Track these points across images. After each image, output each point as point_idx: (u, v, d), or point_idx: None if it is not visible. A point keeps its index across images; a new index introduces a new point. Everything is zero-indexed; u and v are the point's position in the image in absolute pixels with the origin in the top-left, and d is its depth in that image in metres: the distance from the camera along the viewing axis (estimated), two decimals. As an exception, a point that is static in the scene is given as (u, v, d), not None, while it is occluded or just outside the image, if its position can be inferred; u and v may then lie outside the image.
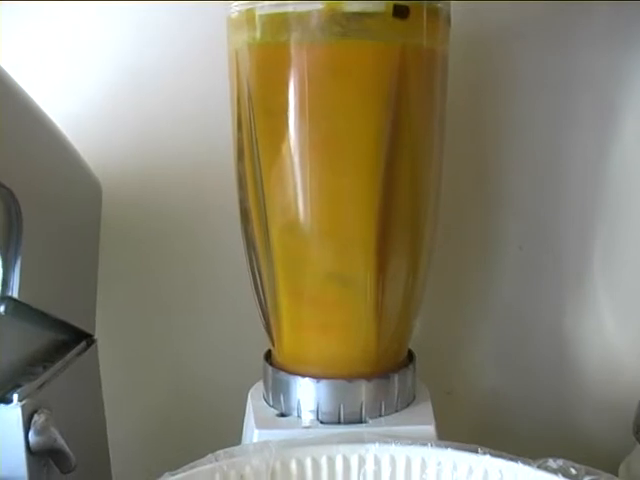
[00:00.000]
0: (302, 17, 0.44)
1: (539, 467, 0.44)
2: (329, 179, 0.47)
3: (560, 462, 0.44)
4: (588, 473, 0.43)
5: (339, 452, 0.46)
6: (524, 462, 0.44)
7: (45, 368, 0.49)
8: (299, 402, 0.50)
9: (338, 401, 0.49)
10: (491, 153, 0.66)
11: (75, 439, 0.47)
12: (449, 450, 0.45)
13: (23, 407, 0.44)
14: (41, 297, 0.48)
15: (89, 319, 0.57)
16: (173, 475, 0.42)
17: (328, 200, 0.48)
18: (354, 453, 0.46)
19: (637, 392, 0.59)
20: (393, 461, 0.45)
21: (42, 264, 0.49)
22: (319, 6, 0.44)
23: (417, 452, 0.45)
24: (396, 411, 0.51)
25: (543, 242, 0.67)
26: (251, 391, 0.54)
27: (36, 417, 0.45)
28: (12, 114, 0.45)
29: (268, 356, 0.53)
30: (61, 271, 0.52)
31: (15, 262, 0.45)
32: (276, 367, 0.51)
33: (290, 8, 0.44)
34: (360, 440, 0.46)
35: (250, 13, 0.46)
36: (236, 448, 0.45)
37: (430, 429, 0.49)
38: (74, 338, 0.55)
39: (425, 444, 0.46)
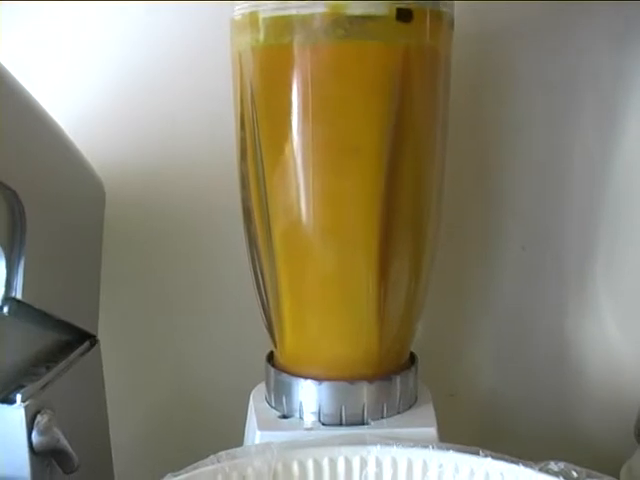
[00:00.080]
0: (305, 20, 0.44)
1: (540, 470, 0.44)
2: (332, 180, 0.48)
3: (561, 465, 0.44)
4: (589, 476, 0.43)
5: (341, 454, 0.46)
6: (525, 465, 0.44)
7: (48, 369, 0.49)
8: (301, 404, 0.50)
9: (340, 403, 0.49)
10: (493, 153, 0.66)
11: (78, 439, 0.47)
12: (451, 452, 0.45)
13: (26, 407, 0.44)
14: (44, 298, 0.48)
15: (92, 320, 0.57)
16: (175, 476, 0.42)
17: (330, 201, 0.48)
18: (356, 455, 0.46)
19: (638, 394, 0.60)
20: (395, 463, 0.46)
21: (45, 265, 0.49)
22: (322, 9, 0.44)
23: (419, 454, 0.46)
24: (398, 413, 0.51)
25: (545, 243, 0.67)
26: (253, 392, 0.54)
27: (39, 417, 0.45)
28: (15, 115, 0.45)
29: (270, 358, 0.53)
30: (64, 272, 0.52)
31: (19, 263, 0.45)
32: (278, 369, 0.52)
33: (293, 11, 0.45)
34: (362, 442, 0.46)
35: (254, 16, 0.46)
36: (238, 449, 0.45)
37: (432, 431, 0.49)
38: (77, 339, 0.55)
39: (427, 446, 0.46)
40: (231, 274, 0.64)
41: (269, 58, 0.47)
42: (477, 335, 0.68)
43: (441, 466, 0.45)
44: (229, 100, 0.51)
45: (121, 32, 0.63)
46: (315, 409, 0.50)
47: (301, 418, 0.50)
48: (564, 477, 0.43)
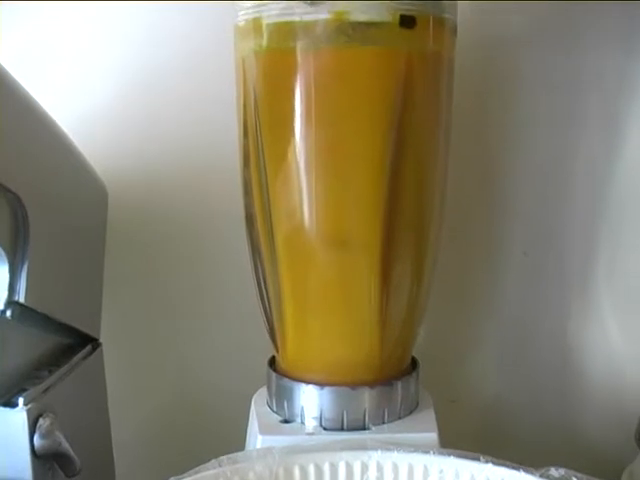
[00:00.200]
0: (309, 26, 0.44)
1: (541, 476, 0.44)
2: (334, 186, 0.48)
3: (562, 471, 0.44)
4: (590, 482, 0.43)
5: (342, 459, 0.46)
6: (526, 471, 0.44)
7: (50, 372, 0.49)
8: (303, 409, 0.50)
9: (341, 408, 0.49)
10: (496, 157, 0.66)
11: (80, 443, 0.47)
12: (451, 458, 0.45)
13: (28, 411, 0.44)
14: (47, 302, 0.48)
15: (94, 323, 0.57)
16: (177, 480, 0.43)
17: (333, 207, 0.48)
18: (357, 460, 0.46)
19: (640, 398, 0.60)
20: (395, 468, 0.46)
21: (48, 269, 0.49)
22: (326, 15, 0.44)
23: (419, 460, 0.45)
24: (399, 418, 0.51)
25: (548, 247, 0.67)
26: (255, 397, 0.54)
27: (41, 421, 0.45)
28: (17, 118, 0.45)
29: (272, 362, 0.53)
30: (67, 275, 0.52)
31: (22, 267, 0.45)
32: (280, 373, 0.52)
33: (297, 17, 0.45)
34: (363, 447, 0.46)
35: (257, 22, 0.46)
36: (240, 454, 0.46)
37: (433, 437, 0.49)
38: (79, 342, 0.55)
39: (427, 452, 0.46)
40: (233, 278, 0.64)
41: (272, 64, 0.47)
42: (479, 340, 0.68)
43: (442, 472, 0.45)
44: (232, 105, 0.51)
45: (124, 34, 0.63)
46: (316, 414, 0.50)
47: (302, 423, 0.50)
48: (565, 484, 0.43)
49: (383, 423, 0.50)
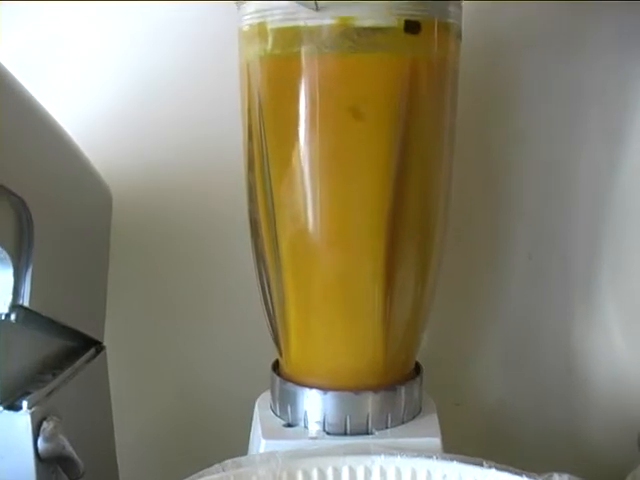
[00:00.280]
0: (313, 31, 0.44)
1: (544, 482, 0.44)
2: (339, 191, 0.48)
3: (565, 477, 0.44)
4: (593, 488, 0.43)
5: (345, 463, 0.46)
6: (529, 476, 0.44)
7: (54, 375, 0.49)
8: (306, 413, 0.50)
9: (345, 412, 0.49)
10: (500, 160, 0.66)
11: (83, 446, 0.48)
12: (454, 463, 0.45)
13: (32, 414, 0.44)
14: (51, 305, 0.49)
15: (98, 326, 0.57)
16: (181, 484, 0.43)
17: (338, 212, 0.48)
18: (360, 464, 0.46)
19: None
20: (399, 473, 0.46)
21: (53, 272, 0.49)
22: (331, 21, 0.44)
23: (423, 464, 0.45)
24: (402, 423, 0.51)
25: (552, 251, 0.67)
26: (258, 401, 0.55)
27: (45, 424, 0.45)
28: (22, 122, 0.45)
29: (276, 366, 0.53)
30: (71, 279, 0.52)
31: (26, 271, 0.45)
32: (283, 378, 0.52)
33: (301, 22, 0.45)
34: (366, 452, 0.46)
35: (262, 27, 0.46)
36: (243, 458, 0.46)
37: (436, 441, 0.49)
38: (83, 345, 0.55)
39: (430, 456, 0.46)
40: (237, 281, 0.64)
41: (277, 69, 0.47)
42: (483, 343, 0.68)
43: (445, 476, 0.45)
44: (237, 110, 0.51)
45: (126, 35, 0.63)
46: (320, 418, 0.50)
47: (306, 427, 0.50)
48: (568, 489, 0.43)
49: (386, 428, 0.50)
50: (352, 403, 0.49)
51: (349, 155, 0.47)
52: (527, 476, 0.44)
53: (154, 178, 0.64)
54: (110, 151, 0.62)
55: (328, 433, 0.50)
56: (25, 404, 0.45)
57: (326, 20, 0.44)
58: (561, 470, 0.44)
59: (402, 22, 0.45)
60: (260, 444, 0.49)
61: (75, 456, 0.46)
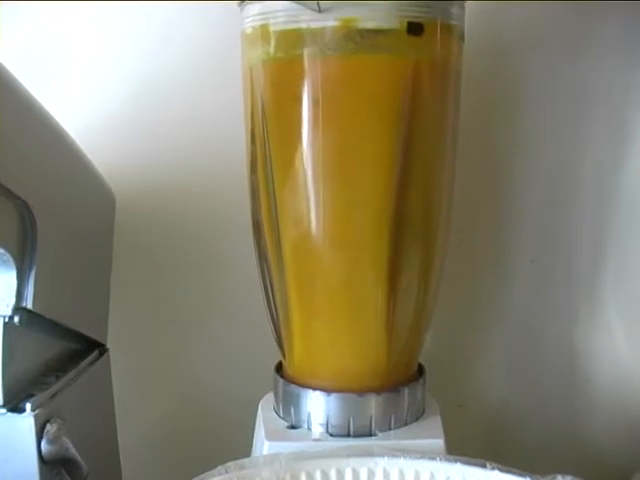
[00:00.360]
0: (316, 33, 0.44)
1: (548, 484, 0.44)
2: (342, 192, 0.48)
3: (568, 478, 0.43)
4: (596, 490, 0.43)
5: (348, 465, 0.46)
6: (532, 478, 0.44)
7: (58, 378, 0.49)
8: (309, 415, 0.50)
9: (348, 414, 0.49)
10: (504, 163, 0.66)
11: (87, 448, 0.48)
12: (458, 464, 0.45)
13: (36, 416, 0.45)
14: (55, 307, 0.49)
15: (101, 329, 0.57)
16: (184, 486, 0.43)
17: (340, 213, 0.48)
18: (363, 466, 0.46)
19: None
20: (402, 475, 0.45)
21: (56, 275, 0.49)
22: (333, 23, 0.44)
23: (426, 466, 0.45)
24: (405, 425, 0.51)
25: (555, 253, 0.66)
26: (261, 402, 0.54)
27: (48, 426, 0.45)
28: (25, 124, 0.45)
29: (279, 368, 0.53)
30: (75, 281, 0.52)
31: (29, 273, 0.45)
32: (287, 379, 0.52)
33: (304, 25, 0.45)
34: (369, 453, 0.46)
35: (265, 29, 0.46)
36: (246, 460, 0.46)
37: (439, 443, 0.49)
38: (86, 348, 0.55)
39: (434, 458, 0.46)
40: (240, 284, 0.64)
41: (280, 71, 0.47)
42: (486, 345, 0.68)
43: (448, 478, 0.45)
44: (240, 112, 0.51)
45: (127, 35, 0.64)
46: (323, 420, 0.50)
47: (309, 429, 0.50)
48: (571, 491, 0.43)
49: (389, 429, 0.50)
50: (355, 405, 0.49)
51: (352, 157, 0.47)
52: (530, 477, 0.44)
53: (156, 180, 0.64)
54: (112, 153, 0.62)
55: (331, 435, 0.50)
56: (29, 406, 0.45)
57: (329, 22, 0.44)
58: (564, 471, 0.44)
59: (405, 24, 0.45)
60: (263, 446, 0.49)
61: (78, 458, 0.46)
